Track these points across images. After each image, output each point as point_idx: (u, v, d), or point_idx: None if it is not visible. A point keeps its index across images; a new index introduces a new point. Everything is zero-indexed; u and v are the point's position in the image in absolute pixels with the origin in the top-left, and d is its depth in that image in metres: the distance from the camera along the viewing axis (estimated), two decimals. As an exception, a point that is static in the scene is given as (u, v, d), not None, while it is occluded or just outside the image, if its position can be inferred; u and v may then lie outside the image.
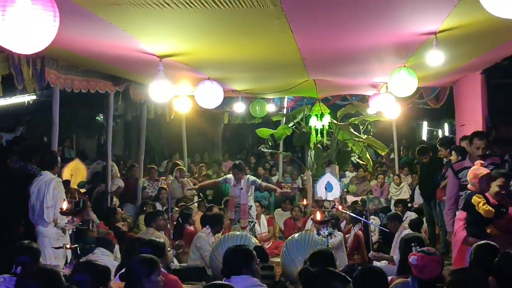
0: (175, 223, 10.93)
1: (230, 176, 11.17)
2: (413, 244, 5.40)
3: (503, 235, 6.19)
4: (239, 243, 8.09)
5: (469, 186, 6.73)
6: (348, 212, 10.37)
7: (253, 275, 4.82)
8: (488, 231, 6.22)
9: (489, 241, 5.46)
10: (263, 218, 12.21)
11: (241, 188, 10.75)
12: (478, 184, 6.56)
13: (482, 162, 6.81)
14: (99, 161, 14.21)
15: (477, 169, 6.67)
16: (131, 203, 12.52)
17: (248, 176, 11.15)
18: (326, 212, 8.11)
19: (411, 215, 11.44)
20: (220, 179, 11.74)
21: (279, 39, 6.69)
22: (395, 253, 8.33)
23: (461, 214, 6.74)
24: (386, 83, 10.20)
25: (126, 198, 12.57)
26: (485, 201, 6.32)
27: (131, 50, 7.21)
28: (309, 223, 11.07)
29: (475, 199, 6.37)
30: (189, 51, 7.36)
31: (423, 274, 4.58)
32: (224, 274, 4.85)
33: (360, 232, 10.08)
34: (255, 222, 11.14)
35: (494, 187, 6.46)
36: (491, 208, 6.23)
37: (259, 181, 11.31)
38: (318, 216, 7.34)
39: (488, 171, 6.63)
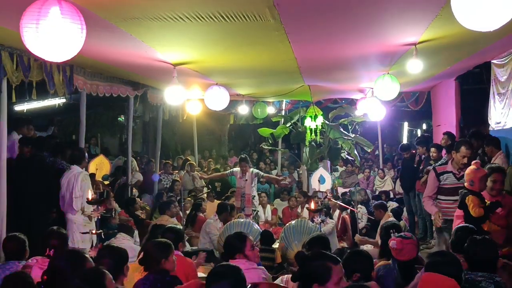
0: (187, 212, 10.94)
1: (236, 169, 11.20)
2: (391, 230, 5.36)
3: (502, 230, 5.89)
4: (242, 229, 8.06)
5: (466, 184, 6.21)
6: (337, 202, 10.37)
7: (248, 259, 4.81)
8: (485, 228, 5.84)
9: (468, 224, 5.38)
10: (269, 207, 12.18)
11: (246, 180, 10.77)
12: (478, 184, 6.10)
13: (479, 162, 6.38)
14: (121, 156, 14.22)
15: (478, 170, 6.18)
16: (148, 194, 12.54)
17: (252, 169, 11.15)
18: (319, 202, 8.09)
19: (393, 205, 11.44)
20: (227, 171, 11.76)
21: (278, 49, 6.68)
22: (379, 238, 8.31)
23: (459, 212, 6.39)
24: (372, 88, 10.19)
25: (144, 189, 12.60)
26: (474, 204, 5.95)
27: (149, 59, 7.20)
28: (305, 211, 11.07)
29: (468, 199, 6.03)
30: (199, 59, 7.34)
31: (402, 256, 4.61)
32: (224, 258, 4.87)
33: (347, 216, 10.07)
34: (258, 211, 11.13)
35: (489, 183, 6.11)
36: (478, 210, 5.93)
37: (261, 173, 11.35)
38: (312, 206, 7.32)
39: (486, 171, 6.19)
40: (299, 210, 11.39)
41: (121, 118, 18.46)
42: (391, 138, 21.76)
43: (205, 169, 16.35)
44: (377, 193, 13.75)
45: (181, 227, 6.10)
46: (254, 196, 11.02)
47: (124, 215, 9.67)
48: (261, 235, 7.61)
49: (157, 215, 10.78)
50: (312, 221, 7.64)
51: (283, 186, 14.23)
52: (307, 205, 10.15)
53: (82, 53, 4.29)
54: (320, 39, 6.29)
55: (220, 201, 10.92)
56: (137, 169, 13.62)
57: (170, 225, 6.03)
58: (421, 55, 6.62)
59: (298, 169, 17.00)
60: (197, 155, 17.02)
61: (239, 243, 4.91)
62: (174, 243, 4.91)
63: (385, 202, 10.10)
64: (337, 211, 11.03)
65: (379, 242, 8.13)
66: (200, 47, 6.64)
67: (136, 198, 10.94)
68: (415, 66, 6.69)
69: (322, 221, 7.33)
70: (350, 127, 15.35)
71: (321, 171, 9.44)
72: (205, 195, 12.64)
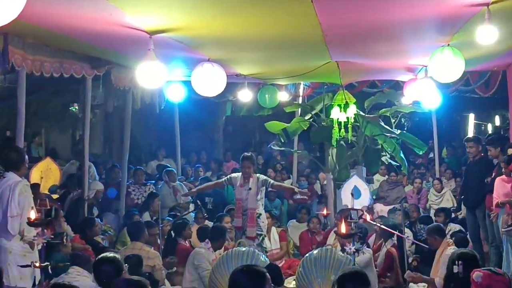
0: (166, 236, 10.95)
1: (235, 175, 11.20)
2: (458, 262, 5.36)
3: None
4: (245, 261, 8.09)
5: None
6: (378, 224, 10.34)
7: None
8: None
9: None
10: (274, 231, 12.16)
11: (250, 189, 10.81)
12: None
13: None
14: (74, 161, 14.24)
15: None
16: (112, 213, 12.53)
17: (258, 175, 11.15)
18: (352, 223, 8.07)
19: (454, 228, 11.41)
20: (223, 179, 11.69)
21: (295, 10, 6.68)
22: (436, 275, 8.29)
23: None
24: (426, 66, 10.15)
25: (106, 206, 12.59)
26: None
27: (114, 25, 7.19)
28: (332, 237, 11.04)
29: None
30: (185, 25, 7.34)
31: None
32: None
33: (394, 249, 10.05)
34: (265, 235, 11.10)
35: None
36: None
37: (271, 180, 11.33)
38: (343, 229, 7.30)
39: None
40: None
41: (75, 108, 18.47)
42: (451, 135, 21.75)
43: (192, 179, 16.37)
44: (432, 212, 13.73)
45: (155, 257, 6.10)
46: (261, 214, 10.97)
47: (79, 241, 9.69)
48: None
49: (123, 242, 10.79)
50: (343, 250, 7.62)
51: (300, 202, 14.20)
52: (335, 229, 10.13)
53: (21, 17, 4.27)
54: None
55: (213, 223, 10.95)
56: (97, 177, 13.64)
57: (129, 278, 6.00)
58: (495, 19, 6.58)
59: (320, 179, 16.97)
60: (180, 159, 17.02)
61: (258, 280, 4.60)
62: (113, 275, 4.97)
63: (441, 225, 10.08)
64: (372, 237, 11.03)
65: (436, 280, 8.18)
66: (187, 8, 6.64)
67: (96, 219, 10.94)
68: (487, 35, 6.66)
69: (357, 250, 7.31)
70: (393, 120, 15.33)
71: (355, 181, 9.45)
72: (192, 214, 12.64)
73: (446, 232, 10.64)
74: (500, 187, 10.03)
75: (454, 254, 5.96)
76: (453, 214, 12.92)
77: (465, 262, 5.63)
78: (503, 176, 10.00)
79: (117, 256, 6.12)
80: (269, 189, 11.46)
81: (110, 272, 5.22)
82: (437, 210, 12.76)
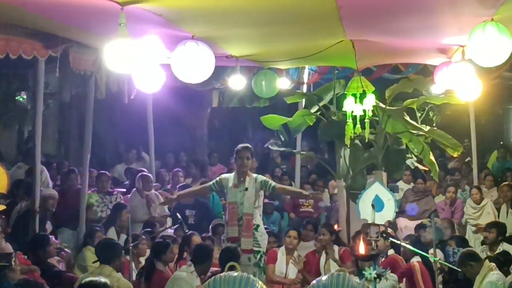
0: (143, 258, 10.96)
1: (226, 175, 11.23)
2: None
3: None
4: (237, 288, 8.09)
5: None
6: (402, 243, 10.37)
7: None
8: None
9: None
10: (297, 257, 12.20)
11: (246, 189, 10.86)
12: None
13: None
14: (22, 164, 14.23)
15: None
16: (69, 228, 12.53)
17: (256, 175, 11.21)
18: (373, 242, 8.09)
19: (508, 249, 11.43)
20: (211, 183, 11.64)
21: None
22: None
23: None
24: (463, 46, 10.16)
25: (62, 220, 12.59)
26: None
27: (76, -7, 7.20)
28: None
29: None
30: (164, -6, 7.35)
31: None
32: None
33: (416, 264, 10.09)
34: (264, 253, 11.15)
35: None
36: None
37: (272, 182, 11.33)
38: (362, 249, 7.31)
39: None
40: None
41: (22, 98, 18.48)
42: (493, 133, 21.81)
43: (169, 186, 16.39)
44: (468, 229, 13.80)
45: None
46: (259, 225, 11.02)
47: (24, 262, 9.67)
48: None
49: (82, 265, 10.81)
50: (361, 275, 7.62)
51: (305, 216, 14.23)
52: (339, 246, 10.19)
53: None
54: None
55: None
56: (50, 184, 13.64)
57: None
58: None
59: (330, 187, 17.01)
60: (154, 161, 17.03)
61: None
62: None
63: (474, 251, 10.18)
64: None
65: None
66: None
67: (50, 236, 10.95)
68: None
69: (378, 275, 7.32)
70: (420, 114, 15.38)
71: (376, 189, 9.38)
72: (170, 231, 12.65)
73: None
74: None
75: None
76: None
77: None
78: None
79: (108, 282, 6.11)
80: (267, 191, 11.38)
81: None
82: (489, 224, 12.75)
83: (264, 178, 11.30)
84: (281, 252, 11.81)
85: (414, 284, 10.21)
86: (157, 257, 10.60)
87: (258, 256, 10.86)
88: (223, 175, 11.44)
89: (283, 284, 11.74)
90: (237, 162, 11.14)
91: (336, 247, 11.74)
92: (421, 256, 10.55)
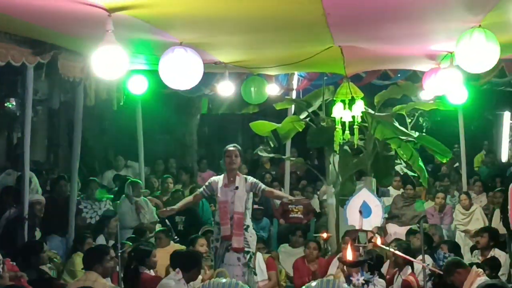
0: (125, 265, 10.95)
1: (215, 178, 11.27)
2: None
3: None
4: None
5: None
6: (392, 249, 10.39)
7: None
8: None
9: None
10: (260, 258, 12.18)
11: (236, 188, 10.93)
12: None
13: None
14: (10, 170, 14.21)
15: None
16: (58, 235, 12.52)
17: (246, 176, 11.31)
18: (361, 248, 8.11)
19: (499, 256, 11.46)
20: (201, 189, 11.63)
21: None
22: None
23: None
24: (451, 53, 10.19)
25: (51, 227, 12.58)
26: None
27: (64, 0, 7.19)
28: (334, 266, 11.10)
29: None
30: (152, 1, 7.35)
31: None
32: None
33: (412, 278, 10.12)
34: (253, 253, 11.20)
35: None
36: None
37: (261, 184, 11.33)
38: (350, 255, 7.33)
39: None
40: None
41: (11, 104, 18.46)
42: (482, 139, 21.84)
43: (158, 193, 16.39)
44: (457, 234, 13.81)
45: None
46: (248, 226, 11.09)
47: (11, 269, 9.67)
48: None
49: (71, 271, 10.80)
50: (349, 282, 7.65)
51: (295, 222, 14.23)
52: (340, 254, 10.19)
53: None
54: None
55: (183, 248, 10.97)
56: (39, 191, 13.62)
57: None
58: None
59: (318, 193, 17.03)
60: (144, 168, 17.03)
61: None
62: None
63: (459, 259, 10.24)
64: (386, 264, 11.10)
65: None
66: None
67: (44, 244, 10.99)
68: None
69: (367, 281, 7.35)
70: (409, 120, 15.42)
71: (364, 196, 9.41)
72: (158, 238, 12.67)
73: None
74: None
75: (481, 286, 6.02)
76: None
77: None
78: None
79: None
80: (256, 192, 11.40)
81: None
82: (481, 229, 12.79)
83: (255, 180, 11.29)
84: None
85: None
86: (140, 262, 10.61)
87: (248, 257, 10.89)
88: (212, 178, 11.47)
89: None
90: (226, 161, 11.18)
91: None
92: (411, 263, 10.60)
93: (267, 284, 11.92)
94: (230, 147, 11.27)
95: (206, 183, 11.52)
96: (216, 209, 11.44)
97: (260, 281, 11.84)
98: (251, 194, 11.08)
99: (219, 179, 11.18)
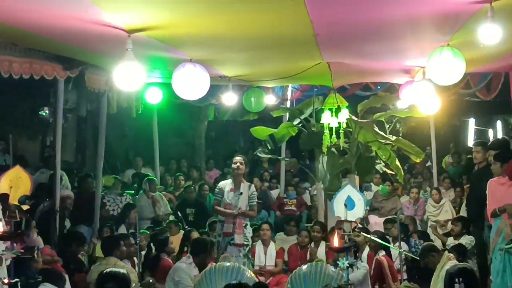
0: (142, 252, 10.94)
1: (223, 182, 11.34)
2: (458, 278, 5.41)
3: None
4: (230, 277, 8.10)
5: None
6: (372, 237, 10.39)
7: None
8: None
9: None
10: (272, 246, 12.21)
11: (241, 193, 11.04)
12: None
13: None
14: (44, 169, 14.16)
15: None
16: (85, 225, 12.50)
17: (249, 184, 11.46)
18: (345, 237, 8.09)
19: (470, 241, 11.44)
20: (215, 198, 11.63)
21: (285, 7, 6.69)
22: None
23: None
24: (423, 67, 10.18)
25: (79, 219, 12.56)
26: None
27: (90, 22, 7.17)
28: (322, 251, 11.11)
29: None
30: (166, 23, 7.33)
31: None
32: None
33: (383, 258, 10.11)
34: (250, 246, 11.38)
35: None
36: None
37: (254, 201, 11.53)
38: (336, 242, 7.31)
39: None
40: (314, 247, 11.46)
41: (45, 112, 18.41)
42: (450, 142, 21.81)
43: (171, 188, 16.37)
44: (429, 224, 13.78)
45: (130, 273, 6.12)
46: (247, 224, 11.21)
47: (48, 253, 9.65)
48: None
49: (98, 257, 10.80)
50: (335, 265, 7.63)
51: (289, 214, 14.20)
52: (327, 242, 10.17)
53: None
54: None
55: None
56: (69, 187, 13.60)
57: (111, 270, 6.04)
58: (499, 17, 6.60)
59: (310, 188, 16.98)
60: (159, 167, 16.99)
61: None
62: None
63: (433, 244, 10.21)
64: (366, 250, 11.08)
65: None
66: (168, 4, 6.64)
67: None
68: (490, 34, 6.67)
69: (351, 265, 7.32)
70: (388, 125, 15.36)
71: (348, 191, 9.41)
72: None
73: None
74: (496, 191, 9.59)
75: (453, 270, 6.00)
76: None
77: (466, 278, 5.67)
78: (499, 177, 9.66)
79: (126, 273, 6.12)
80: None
81: None
82: (455, 218, 12.74)
83: (254, 190, 11.56)
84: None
85: (383, 276, 10.22)
86: (161, 250, 10.61)
87: (247, 249, 11.05)
88: (221, 183, 11.57)
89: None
90: (233, 168, 11.30)
91: (323, 243, 11.78)
92: (386, 248, 10.61)
93: (274, 268, 11.91)
94: (238, 157, 11.46)
95: (217, 189, 11.62)
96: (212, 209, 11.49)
97: (268, 265, 11.89)
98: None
99: (226, 183, 11.26)
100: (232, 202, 10.99)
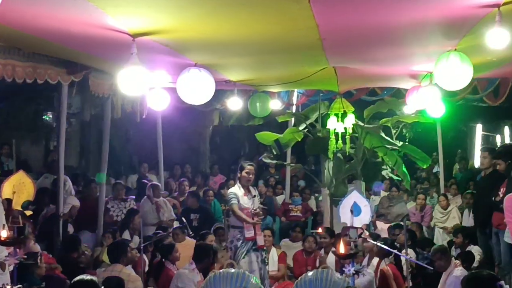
0: (146, 259, 10.92)
1: (234, 190, 11.03)
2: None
3: None
4: (234, 284, 8.09)
5: None
6: (378, 243, 10.35)
7: None
8: None
9: None
10: (274, 251, 12.17)
11: (254, 196, 10.94)
12: None
13: None
14: (47, 174, 14.17)
15: None
16: (89, 230, 12.51)
17: (253, 186, 11.41)
18: (351, 243, 8.08)
19: (476, 253, 11.38)
20: (233, 202, 11.26)
21: (291, 12, 6.68)
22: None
23: None
24: (430, 72, 10.17)
25: (83, 224, 12.56)
26: None
27: (94, 26, 7.18)
28: (332, 257, 11.08)
29: None
30: (171, 27, 7.33)
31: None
32: None
33: (388, 268, 10.08)
34: (266, 251, 11.23)
35: None
36: None
37: (259, 203, 11.37)
38: (342, 249, 7.30)
39: None
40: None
41: (48, 117, 18.44)
42: (457, 147, 21.80)
43: (175, 194, 16.36)
44: (437, 231, 13.75)
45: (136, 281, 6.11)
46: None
47: (48, 261, 9.64)
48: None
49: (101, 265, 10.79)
50: (342, 272, 7.61)
51: (294, 220, 14.18)
52: (333, 249, 10.15)
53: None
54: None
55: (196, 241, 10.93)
56: (73, 192, 13.60)
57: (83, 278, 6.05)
58: (507, 21, 6.59)
59: (316, 194, 16.97)
60: (163, 172, 16.99)
61: None
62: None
63: (446, 246, 10.15)
64: (375, 258, 11.04)
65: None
66: (173, 9, 6.64)
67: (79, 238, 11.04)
68: (498, 39, 6.66)
69: (357, 272, 7.31)
70: (394, 131, 15.37)
71: (355, 197, 9.41)
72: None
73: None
74: None
75: (471, 276, 5.92)
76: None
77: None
78: None
79: (94, 278, 6.12)
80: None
81: None
82: (456, 230, 12.72)
83: (257, 192, 11.45)
84: None
85: (389, 286, 10.17)
86: (165, 257, 10.57)
87: (264, 254, 10.83)
88: (233, 190, 10.96)
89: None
90: (244, 175, 10.92)
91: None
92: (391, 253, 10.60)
93: (276, 273, 11.87)
94: (250, 166, 11.14)
95: (233, 195, 10.89)
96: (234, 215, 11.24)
97: (271, 270, 11.85)
98: None
99: (236, 189, 11.01)
100: (248, 206, 10.86)
